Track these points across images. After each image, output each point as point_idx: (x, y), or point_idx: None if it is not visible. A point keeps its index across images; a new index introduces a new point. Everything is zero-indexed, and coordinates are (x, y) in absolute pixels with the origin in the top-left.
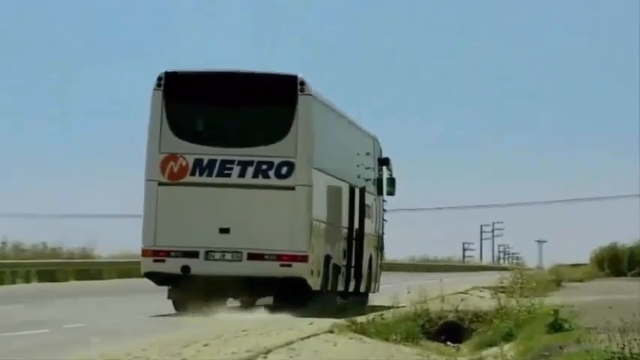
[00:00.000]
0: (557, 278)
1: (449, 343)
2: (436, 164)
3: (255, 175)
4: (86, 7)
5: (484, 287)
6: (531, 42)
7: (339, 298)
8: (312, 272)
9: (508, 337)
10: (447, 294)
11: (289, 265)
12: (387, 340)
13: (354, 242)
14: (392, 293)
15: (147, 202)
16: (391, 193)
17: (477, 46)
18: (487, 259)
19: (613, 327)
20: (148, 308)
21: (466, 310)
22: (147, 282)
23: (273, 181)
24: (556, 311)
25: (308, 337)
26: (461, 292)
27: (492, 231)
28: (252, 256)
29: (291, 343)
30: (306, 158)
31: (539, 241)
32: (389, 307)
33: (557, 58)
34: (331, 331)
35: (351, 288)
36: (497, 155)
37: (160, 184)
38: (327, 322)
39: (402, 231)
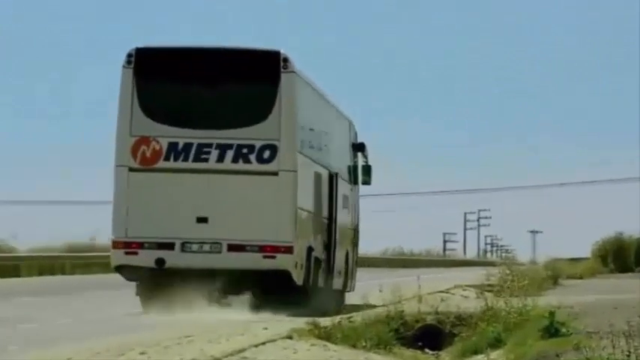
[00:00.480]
0: (554, 274)
1: (427, 350)
2: (413, 145)
3: (234, 160)
4: (86, 7)
5: (468, 285)
6: (531, 42)
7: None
8: (296, 265)
9: (496, 343)
10: (425, 293)
11: (273, 257)
12: (354, 346)
13: (333, 234)
14: (362, 292)
15: (117, 189)
16: (367, 182)
17: (477, 46)
18: (472, 253)
19: (617, 331)
20: (100, 307)
21: (447, 312)
22: (86, 280)
23: (255, 166)
24: (552, 313)
25: (263, 343)
26: (441, 291)
27: (478, 220)
28: (232, 248)
29: (242, 350)
30: (290, 141)
31: (532, 232)
32: (359, 308)
33: (557, 59)
34: (290, 337)
35: (332, 285)
36: (485, 143)
37: (131, 169)
38: (285, 326)
39: (373, 220)
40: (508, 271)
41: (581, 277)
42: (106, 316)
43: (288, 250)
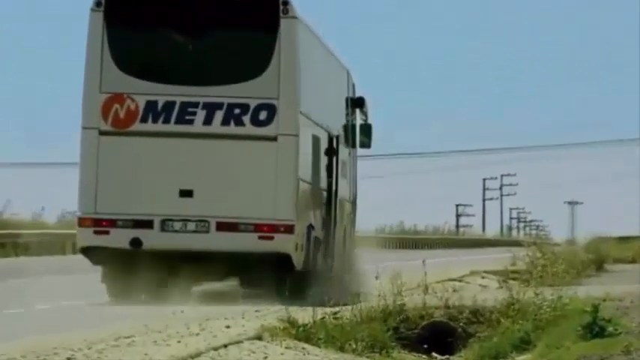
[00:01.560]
0: (597, 258)
1: (434, 354)
2: (421, 100)
3: (225, 122)
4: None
5: (488, 271)
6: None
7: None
8: (296, 247)
9: (523, 345)
10: (432, 282)
11: (271, 238)
12: (342, 349)
13: (333, 210)
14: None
15: (84, 156)
16: (366, 144)
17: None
18: (493, 230)
19: None
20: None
21: (461, 306)
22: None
23: (249, 129)
24: (595, 307)
25: (224, 346)
26: (453, 279)
27: (500, 188)
28: (222, 226)
29: (197, 356)
30: (291, 99)
31: (570, 203)
32: (347, 300)
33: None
34: (259, 338)
35: (332, 269)
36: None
37: (102, 133)
38: (253, 324)
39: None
40: (539, 254)
41: (633, 261)
42: (58, 306)
43: (289, 229)
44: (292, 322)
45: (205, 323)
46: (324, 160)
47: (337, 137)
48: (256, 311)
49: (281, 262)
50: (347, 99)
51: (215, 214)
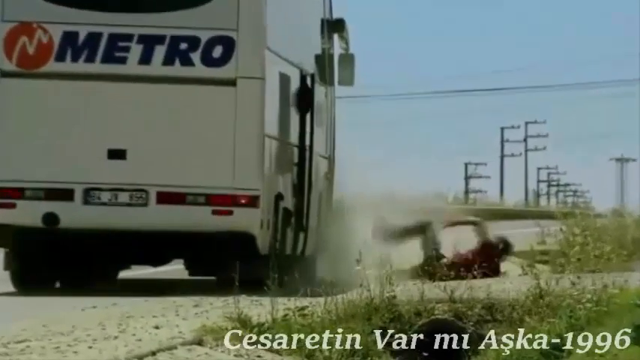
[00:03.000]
0: None
1: None
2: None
3: (167, 61)
4: None
5: None
6: None
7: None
8: (262, 224)
9: (556, 352)
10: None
11: (228, 213)
12: (310, 357)
13: (306, 171)
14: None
15: None
16: (347, 81)
17: None
18: (514, 197)
19: None
20: None
21: (470, 299)
22: None
23: (200, 70)
24: None
25: (152, 353)
26: None
27: (525, 140)
28: (164, 198)
29: None
30: (254, 30)
31: (618, 160)
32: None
33: None
34: (199, 342)
35: (305, 250)
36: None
37: (4, 74)
38: (191, 323)
39: (352, 141)
40: (577, 229)
41: None
42: None
43: (253, 202)
44: (244, 322)
45: (126, 322)
46: (295, 109)
47: (312, 76)
48: (195, 306)
49: (242, 243)
50: (322, 22)
51: (155, 182)
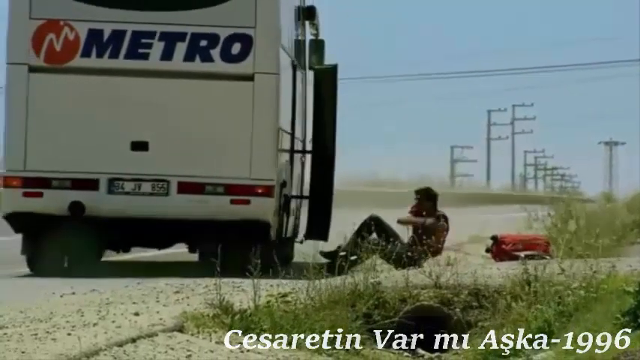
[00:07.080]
0: None
1: (420, 350)
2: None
3: (188, 57)
4: None
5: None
6: None
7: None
8: (274, 212)
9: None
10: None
11: (246, 202)
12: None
13: (293, 157)
14: (309, 248)
15: (10, 99)
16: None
17: None
18: (501, 181)
19: None
20: None
21: (457, 285)
22: None
23: (219, 65)
24: None
25: (132, 340)
26: (447, 249)
27: (512, 123)
28: (185, 188)
29: (95, 354)
30: (271, 28)
31: (607, 144)
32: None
33: None
34: (180, 329)
35: (297, 233)
36: None
37: (33, 69)
38: (172, 309)
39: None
40: (565, 214)
41: None
42: None
43: (268, 191)
44: (225, 308)
45: (106, 309)
46: (289, 96)
47: (295, 64)
48: (176, 292)
49: (257, 230)
50: (296, 9)
51: (176, 173)
